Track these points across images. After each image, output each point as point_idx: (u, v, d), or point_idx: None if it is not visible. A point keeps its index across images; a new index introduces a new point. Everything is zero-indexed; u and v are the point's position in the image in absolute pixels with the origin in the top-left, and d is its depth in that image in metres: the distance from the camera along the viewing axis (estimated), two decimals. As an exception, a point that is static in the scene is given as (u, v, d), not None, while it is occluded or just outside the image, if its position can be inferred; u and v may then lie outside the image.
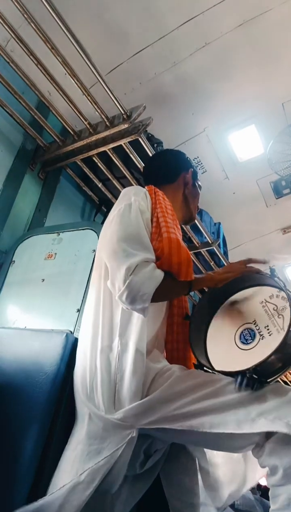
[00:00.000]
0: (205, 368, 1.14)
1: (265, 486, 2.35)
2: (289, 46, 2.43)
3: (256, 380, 0.93)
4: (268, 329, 1.11)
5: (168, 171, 1.45)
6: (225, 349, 1.17)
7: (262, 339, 1.10)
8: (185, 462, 1.20)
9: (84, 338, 1.10)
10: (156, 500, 1.16)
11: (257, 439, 0.92)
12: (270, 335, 1.09)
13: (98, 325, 1.07)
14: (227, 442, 0.99)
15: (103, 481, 0.92)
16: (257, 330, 1.13)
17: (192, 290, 1.11)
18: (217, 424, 0.91)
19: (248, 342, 1.13)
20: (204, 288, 1.24)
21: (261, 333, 1.12)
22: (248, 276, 1.22)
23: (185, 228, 2.53)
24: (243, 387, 0.94)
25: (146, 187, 1.27)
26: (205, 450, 1.22)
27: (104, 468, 0.92)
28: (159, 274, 1.00)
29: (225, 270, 1.19)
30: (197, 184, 1.48)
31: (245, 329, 1.17)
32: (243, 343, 1.14)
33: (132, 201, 1.15)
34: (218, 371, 1.08)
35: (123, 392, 0.98)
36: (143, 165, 2.13)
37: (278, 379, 1.06)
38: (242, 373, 0.96)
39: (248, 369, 0.95)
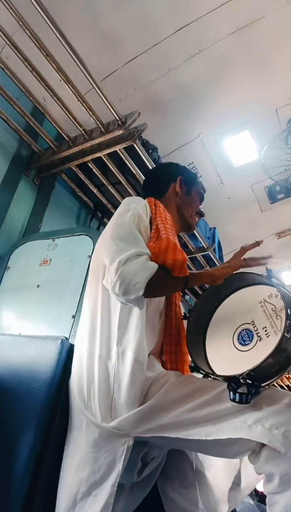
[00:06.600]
0: (200, 371, 1.13)
1: (262, 492, 2.33)
2: (282, 52, 2.46)
3: (251, 386, 0.92)
4: (265, 330, 1.10)
5: (158, 185, 1.44)
6: (223, 350, 1.16)
7: (260, 340, 1.09)
8: (182, 469, 1.19)
9: (81, 345, 1.09)
10: (153, 508, 1.15)
11: (254, 446, 0.91)
12: (267, 336, 1.08)
13: (96, 333, 1.06)
14: (224, 448, 0.98)
15: (101, 489, 0.92)
16: (255, 331, 1.12)
17: (188, 285, 1.08)
18: (214, 432, 0.90)
19: (246, 343, 1.11)
20: (203, 285, 1.22)
21: (258, 334, 1.10)
22: (246, 275, 1.21)
23: (180, 234, 2.53)
24: (237, 402, 0.91)
25: (146, 199, 1.28)
26: (203, 456, 1.21)
27: (101, 476, 0.92)
28: (152, 265, 0.98)
29: (224, 265, 1.17)
30: (192, 191, 1.43)
31: (243, 330, 1.15)
32: (241, 344, 1.13)
33: (131, 207, 1.16)
34: (214, 374, 1.07)
35: (120, 401, 0.97)
36: (138, 170, 2.14)
37: (274, 383, 1.05)
38: (236, 378, 0.95)
39: (241, 374, 0.95)
